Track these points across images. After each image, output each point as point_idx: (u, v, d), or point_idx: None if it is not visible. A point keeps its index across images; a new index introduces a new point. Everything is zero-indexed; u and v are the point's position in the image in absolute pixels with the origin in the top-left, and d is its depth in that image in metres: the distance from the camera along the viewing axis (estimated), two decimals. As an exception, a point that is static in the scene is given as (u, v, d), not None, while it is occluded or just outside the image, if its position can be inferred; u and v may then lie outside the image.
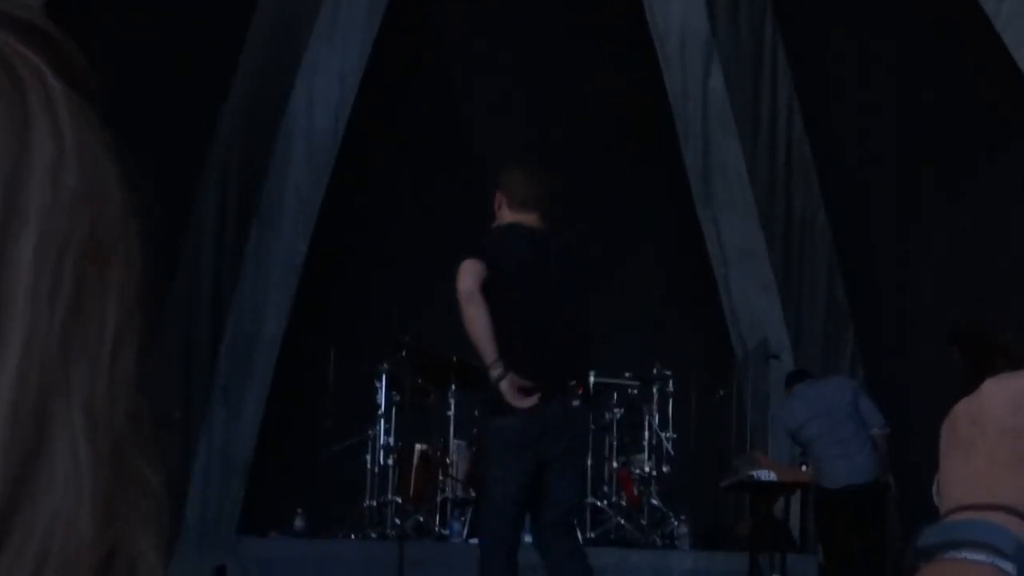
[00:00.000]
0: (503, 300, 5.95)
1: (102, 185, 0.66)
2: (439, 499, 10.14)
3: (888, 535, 9.61)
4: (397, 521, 9.88)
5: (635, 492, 10.54)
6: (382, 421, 10.45)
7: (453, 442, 10.25)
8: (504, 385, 5.89)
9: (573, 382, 6.09)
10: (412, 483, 10.16)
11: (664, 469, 10.66)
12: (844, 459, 9.43)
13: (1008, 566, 1.04)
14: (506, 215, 6.27)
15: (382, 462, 10.37)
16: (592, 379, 10.28)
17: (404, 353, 10.21)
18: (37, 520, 0.60)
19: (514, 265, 6.04)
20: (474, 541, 7.42)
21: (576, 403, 6.09)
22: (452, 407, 10.20)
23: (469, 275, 5.92)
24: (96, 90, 0.71)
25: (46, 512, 0.61)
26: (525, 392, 5.90)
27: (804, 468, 9.87)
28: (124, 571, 0.64)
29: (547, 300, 6.05)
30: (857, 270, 11.94)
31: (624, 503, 10.45)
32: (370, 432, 10.46)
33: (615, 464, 10.52)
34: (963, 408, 1.14)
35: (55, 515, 0.61)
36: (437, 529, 10.03)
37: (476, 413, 9.50)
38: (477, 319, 5.89)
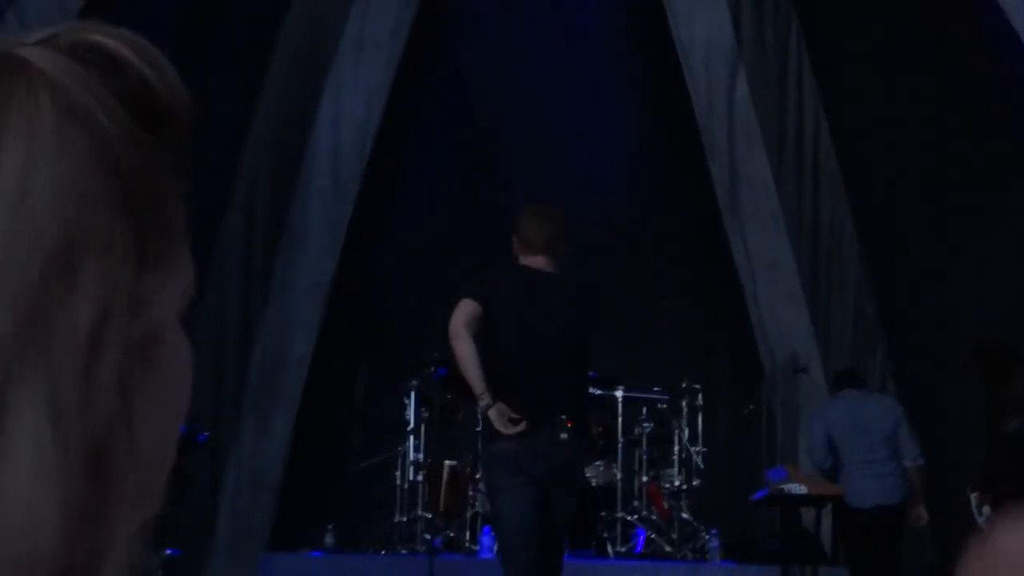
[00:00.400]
0: (496, 336, 6.36)
1: (84, 194, 0.67)
2: (469, 514, 10.14)
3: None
4: (427, 537, 9.88)
5: (665, 506, 10.51)
6: (411, 437, 10.45)
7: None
8: (492, 413, 6.26)
9: (563, 416, 6.31)
10: (442, 499, 10.16)
11: (694, 483, 10.63)
12: (874, 479, 9.45)
13: None
14: (519, 256, 6.59)
15: (412, 478, 10.37)
16: (620, 394, 10.35)
17: (433, 369, 10.22)
18: None
19: (507, 305, 6.38)
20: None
21: (564, 436, 6.30)
22: (481, 423, 10.17)
23: (459, 314, 6.32)
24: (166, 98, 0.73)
25: (5, 505, 0.61)
26: (513, 421, 6.22)
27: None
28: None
29: (538, 339, 6.35)
30: (886, 281, 11.90)
31: (655, 517, 10.43)
32: (399, 448, 10.46)
33: (645, 478, 10.49)
34: (977, 564, 1.12)
35: (16, 508, 0.61)
36: (467, 544, 10.03)
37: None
38: (463, 354, 6.27)
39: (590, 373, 7.30)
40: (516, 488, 6.25)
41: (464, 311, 6.31)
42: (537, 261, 6.55)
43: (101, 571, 0.64)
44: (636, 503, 10.45)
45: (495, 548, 6.89)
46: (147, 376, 0.72)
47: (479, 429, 9.97)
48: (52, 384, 0.64)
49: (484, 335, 6.35)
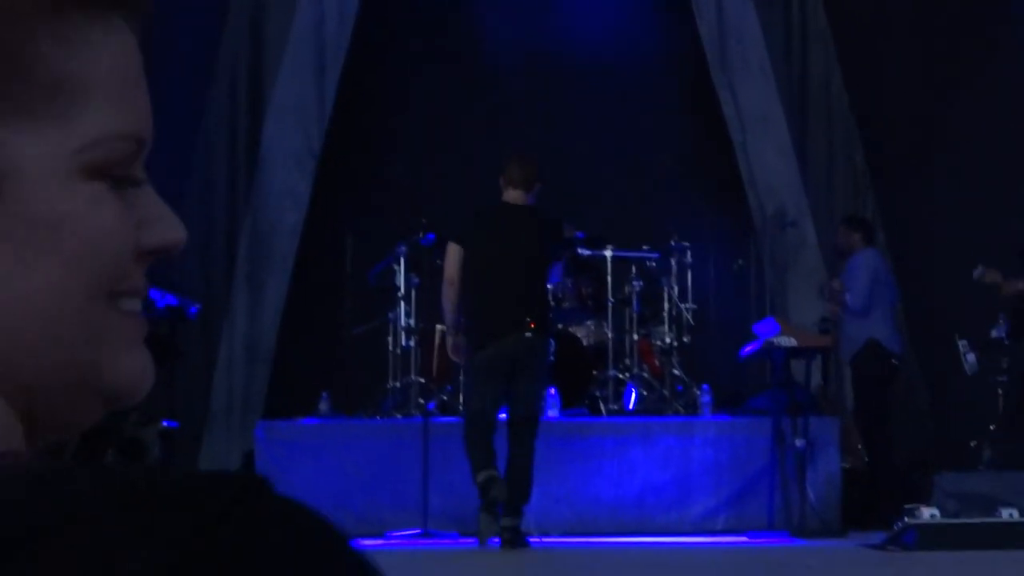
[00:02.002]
0: (475, 262, 8.09)
1: None
2: (461, 377, 10.22)
3: None
4: (421, 400, 9.97)
5: (656, 363, 10.59)
6: (402, 303, 10.49)
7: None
8: (449, 343, 8.58)
9: (528, 319, 8.05)
10: (435, 363, 10.23)
11: (685, 339, 10.70)
12: (898, 330, 10.05)
13: None
14: (503, 190, 8.33)
15: (404, 343, 10.43)
16: (609, 254, 10.40)
17: (422, 235, 10.24)
18: None
19: (482, 238, 8.12)
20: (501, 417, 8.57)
21: (529, 335, 8.09)
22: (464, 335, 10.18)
23: (451, 262, 8.21)
24: None
25: None
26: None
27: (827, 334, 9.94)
28: None
29: (507, 261, 8.01)
30: (875, 133, 11.86)
31: (646, 374, 10.50)
32: (391, 314, 10.51)
33: (636, 336, 10.55)
34: None
35: None
36: (461, 407, 10.12)
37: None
38: (447, 299, 8.31)
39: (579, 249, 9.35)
40: (487, 386, 8.17)
41: (453, 259, 8.17)
42: (513, 195, 8.27)
43: None
44: (627, 361, 10.52)
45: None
46: None
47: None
48: None
49: (465, 261, 8.13)
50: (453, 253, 8.18)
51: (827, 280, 10.45)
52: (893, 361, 9.90)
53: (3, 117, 0.74)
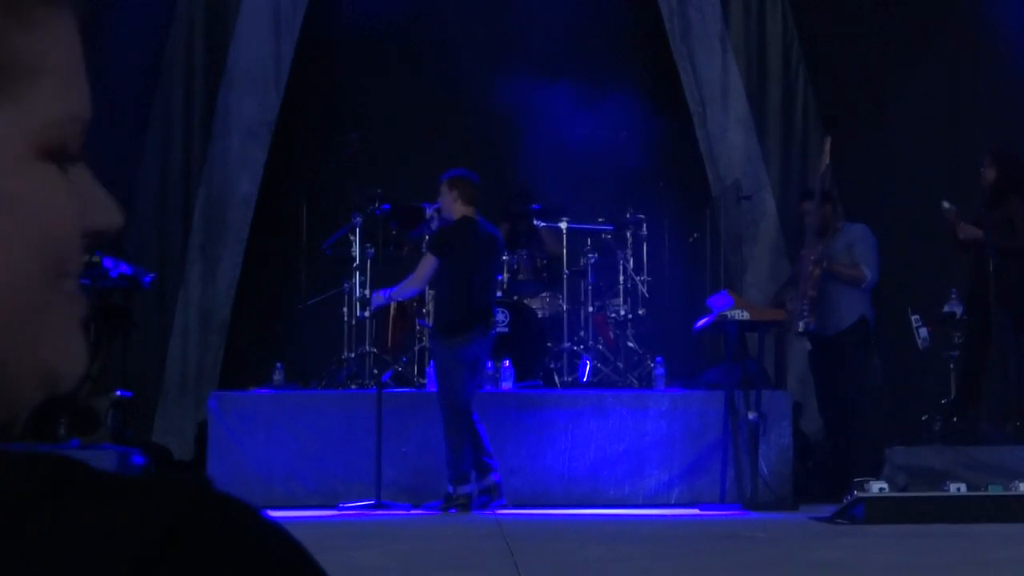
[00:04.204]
0: (455, 270, 8.94)
1: None
2: (416, 348, 10.23)
3: None
4: (375, 372, 9.97)
5: (611, 335, 10.60)
6: (357, 274, 10.46)
7: (429, 292, 10.29)
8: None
9: (493, 317, 9.05)
10: (389, 334, 10.22)
11: (640, 312, 10.71)
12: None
13: None
14: (459, 208, 9.05)
15: (359, 314, 10.41)
16: (565, 226, 10.42)
17: (377, 205, 10.23)
18: None
19: (460, 250, 8.97)
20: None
21: (492, 333, 9.07)
22: (432, 318, 10.17)
23: (427, 271, 9.11)
24: None
25: None
26: None
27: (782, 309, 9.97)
28: None
29: (478, 269, 8.97)
30: (833, 107, 11.89)
31: (601, 346, 10.52)
32: (346, 285, 10.49)
33: (591, 309, 10.56)
34: None
35: None
36: (416, 379, 10.13)
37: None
38: (408, 293, 9.35)
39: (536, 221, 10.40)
40: (461, 368, 8.82)
41: (429, 269, 9.09)
42: (470, 210, 9.06)
43: None
44: (582, 333, 10.54)
45: (444, 407, 8.89)
46: None
47: (428, 320, 10.05)
48: None
49: (446, 267, 9.00)
50: (430, 265, 9.09)
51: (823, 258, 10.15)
52: (873, 339, 9.95)
53: None
